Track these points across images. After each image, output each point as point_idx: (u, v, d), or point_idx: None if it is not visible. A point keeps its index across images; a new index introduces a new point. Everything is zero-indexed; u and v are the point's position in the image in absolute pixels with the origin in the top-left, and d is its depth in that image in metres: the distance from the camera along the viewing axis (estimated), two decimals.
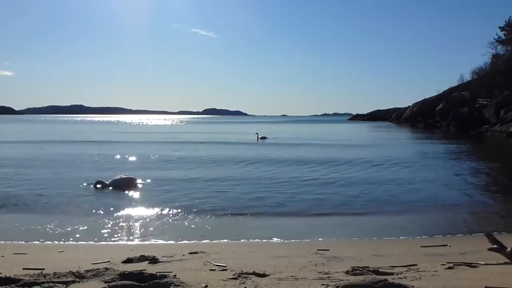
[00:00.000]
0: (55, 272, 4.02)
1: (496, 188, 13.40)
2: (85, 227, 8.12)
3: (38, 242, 7.14)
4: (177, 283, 3.61)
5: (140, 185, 12.72)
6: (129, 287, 3.57)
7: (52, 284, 3.66)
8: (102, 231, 7.90)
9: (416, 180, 14.05)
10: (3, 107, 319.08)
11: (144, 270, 4.18)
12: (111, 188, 12.30)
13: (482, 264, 4.61)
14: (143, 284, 3.59)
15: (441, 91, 68.07)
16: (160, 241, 7.38)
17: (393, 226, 8.34)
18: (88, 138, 36.26)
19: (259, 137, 35.04)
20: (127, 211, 9.51)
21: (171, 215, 9.20)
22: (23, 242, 7.07)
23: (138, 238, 7.59)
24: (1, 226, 8.14)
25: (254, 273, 4.11)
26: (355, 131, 56.35)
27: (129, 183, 12.66)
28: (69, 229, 7.98)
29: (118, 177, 12.95)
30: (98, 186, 12.50)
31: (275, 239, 7.46)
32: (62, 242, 7.15)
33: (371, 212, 9.58)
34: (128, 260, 5.03)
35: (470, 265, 4.61)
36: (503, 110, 45.21)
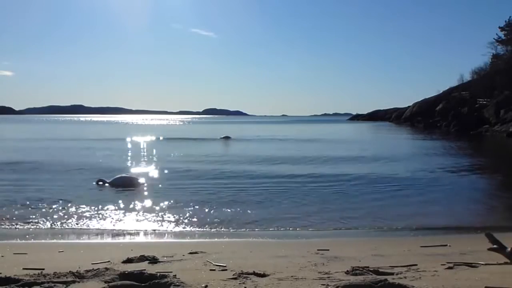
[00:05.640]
0: (55, 272, 4.02)
1: (496, 188, 13.40)
2: (85, 226, 8.14)
3: (38, 242, 7.15)
4: (177, 283, 3.61)
5: (140, 185, 12.75)
6: (129, 287, 3.57)
7: (52, 284, 3.66)
8: (102, 230, 7.91)
9: (416, 180, 14.06)
10: (3, 107, 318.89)
11: (144, 270, 4.18)
12: (112, 186, 12.39)
13: (482, 264, 4.61)
14: (143, 284, 3.59)
15: (441, 91, 68.11)
16: (160, 241, 7.39)
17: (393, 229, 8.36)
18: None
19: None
20: (127, 210, 9.51)
21: (171, 214, 9.20)
22: (23, 242, 7.08)
23: (138, 237, 7.60)
24: (1, 225, 8.14)
25: (254, 273, 4.11)
26: (354, 133, 56.27)
27: (130, 182, 12.74)
28: (69, 228, 8.00)
29: (119, 176, 13.06)
30: (100, 183, 12.64)
31: (275, 239, 7.47)
32: (62, 241, 7.16)
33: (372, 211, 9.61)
34: (128, 260, 5.02)
35: (470, 265, 4.60)
36: (503, 110, 45.24)
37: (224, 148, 27.32)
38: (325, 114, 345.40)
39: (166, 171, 15.79)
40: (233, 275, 4.06)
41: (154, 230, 8.03)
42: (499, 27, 61.05)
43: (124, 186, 12.39)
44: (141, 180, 13.21)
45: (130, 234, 7.76)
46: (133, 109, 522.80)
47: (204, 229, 8.06)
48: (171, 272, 4.13)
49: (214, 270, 4.46)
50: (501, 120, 44.28)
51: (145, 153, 23.89)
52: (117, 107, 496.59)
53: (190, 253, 5.50)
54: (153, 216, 9.04)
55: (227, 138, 35.95)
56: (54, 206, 9.75)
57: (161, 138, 36.12)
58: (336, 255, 5.46)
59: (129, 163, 18.16)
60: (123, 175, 13.35)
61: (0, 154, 21.63)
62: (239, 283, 3.78)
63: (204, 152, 23.32)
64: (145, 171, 15.73)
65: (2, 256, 5.47)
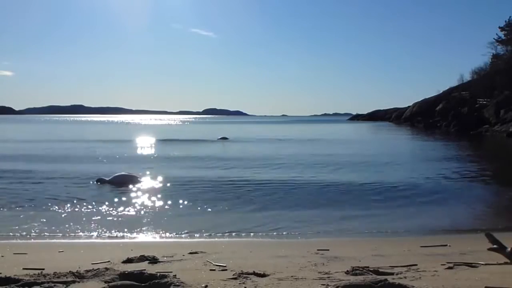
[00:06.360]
0: (55, 272, 4.02)
1: (496, 188, 13.40)
2: (85, 226, 8.13)
3: (38, 242, 7.16)
4: (177, 283, 3.61)
5: (140, 183, 12.76)
6: (129, 287, 3.57)
7: (52, 284, 3.66)
8: (102, 230, 7.91)
9: (416, 179, 14.05)
10: (3, 107, 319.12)
11: (144, 270, 4.18)
12: (111, 185, 12.42)
13: (482, 264, 4.61)
14: (143, 284, 3.59)
15: (441, 91, 68.07)
16: (160, 241, 7.39)
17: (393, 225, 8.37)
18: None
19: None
20: (127, 209, 9.52)
21: (170, 213, 9.21)
22: (23, 242, 7.08)
23: (138, 237, 7.60)
24: (0, 225, 8.14)
25: (254, 273, 4.11)
26: (354, 134, 56.21)
27: (129, 180, 12.75)
28: (69, 228, 7.99)
29: (118, 174, 13.10)
30: (99, 183, 12.69)
31: (275, 239, 7.47)
32: (62, 241, 7.16)
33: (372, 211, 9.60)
34: (128, 260, 5.03)
35: (470, 265, 4.60)
36: (503, 110, 45.23)
37: (220, 150, 27.00)
38: (325, 114, 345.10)
39: (163, 171, 15.80)
40: (233, 275, 4.06)
41: (154, 229, 8.03)
42: (499, 27, 61.16)
43: (124, 184, 12.43)
44: (140, 178, 13.22)
45: (130, 234, 7.75)
46: (133, 109, 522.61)
47: (204, 229, 8.04)
48: (171, 272, 4.13)
49: (214, 270, 4.46)
50: (501, 120, 44.27)
51: (143, 154, 23.94)
52: (117, 107, 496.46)
53: (190, 253, 5.50)
54: (153, 216, 9.04)
55: (224, 139, 35.56)
56: (53, 206, 9.76)
57: (159, 139, 35.69)
58: (336, 255, 5.46)
59: (127, 163, 18.15)
60: (123, 173, 13.39)
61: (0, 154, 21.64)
62: (239, 283, 3.78)
63: (200, 154, 23.27)
64: (143, 171, 15.68)
65: (2, 256, 5.47)
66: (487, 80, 55.00)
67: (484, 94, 52.27)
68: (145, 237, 7.67)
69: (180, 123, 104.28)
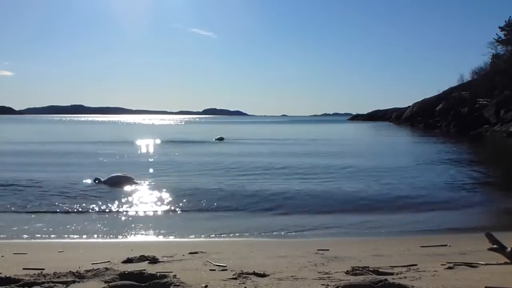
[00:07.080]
0: (55, 272, 4.02)
1: (496, 187, 13.40)
2: (85, 226, 8.13)
3: (38, 241, 7.16)
4: (177, 283, 3.61)
5: (136, 184, 12.75)
6: (129, 287, 3.57)
7: (52, 284, 3.66)
8: (102, 230, 7.91)
9: (416, 180, 14.05)
10: (3, 107, 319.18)
11: (144, 270, 4.18)
12: (107, 185, 12.43)
13: (482, 264, 4.61)
14: (143, 284, 3.59)
15: (441, 91, 67.98)
16: (160, 241, 7.40)
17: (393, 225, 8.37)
18: None
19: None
20: (126, 209, 9.53)
21: (169, 213, 9.21)
22: (23, 242, 7.08)
23: (138, 237, 7.60)
24: (0, 225, 8.14)
25: (254, 273, 4.11)
26: (355, 134, 56.19)
27: (125, 181, 12.76)
28: (68, 227, 7.99)
29: (114, 175, 13.11)
30: (96, 181, 12.77)
31: (275, 239, 7.47)
32: (62, 241, 7.16)
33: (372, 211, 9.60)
34: (128, 260, 5.03)
35: (470, 265, 4.60)
36: (503, 110, 45.21)
37: (217, 151, 26.51)
38: (325, 114, 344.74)
39: (159, 172, 15.84)
40: (233, 275, 4.06)
41: (154, 230, 8.03)
42: (499, 27, 61.11)
43: (119, 185, 12.44)
44: (136, 179, 13.20)
45: (130, 234, 7.76)
46: (133, 109, 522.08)
47: (203, 228, 8.04)
48: (171, 272, 4.13)
49: (214, 270, 4.46)
50: (501, 120, 44.26)
51: (140, 155, 24.03)
52: (117, 107, 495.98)
53: (190, 253, 5.50)
54: (152, 216, 9.05)
55: (221, 139, 35.21)
56: (53, 205, 9.75)
57: (156, 140, 35.07)
58: (336, 255, 5.46)
59: (124, 164, 18.15)
60: (119, 174, 13.39)
61: None
62: (239, 283, 3.78)
63: (196, 154, 23.26)
64: (139, 172, 15.65)
65: (2, 256, 5.47)
66: (487, 80, 54.97)
67: (484, 94, 52.24)
68: (145, 237, 7.68)
69: (180, 123, 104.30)
